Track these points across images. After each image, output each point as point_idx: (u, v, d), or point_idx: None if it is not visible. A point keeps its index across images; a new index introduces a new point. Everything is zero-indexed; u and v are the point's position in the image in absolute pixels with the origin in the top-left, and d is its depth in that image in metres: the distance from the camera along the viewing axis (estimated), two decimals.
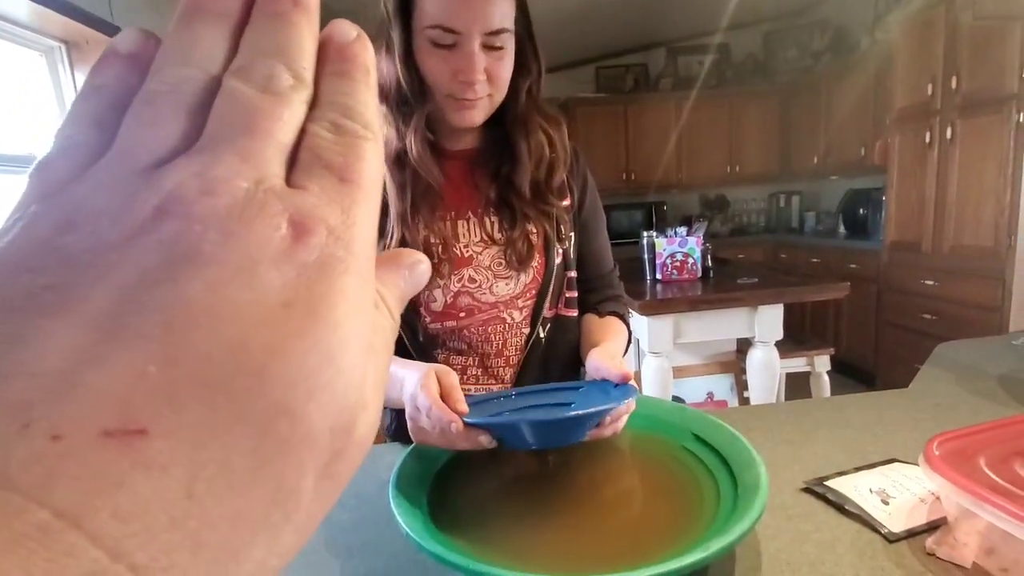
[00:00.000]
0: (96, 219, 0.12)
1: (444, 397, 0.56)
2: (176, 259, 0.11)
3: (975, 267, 2.50)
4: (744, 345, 2.14)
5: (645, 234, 2.33)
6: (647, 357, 1.99)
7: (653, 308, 1.92)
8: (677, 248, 2.20)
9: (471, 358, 0.79)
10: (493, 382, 0.80)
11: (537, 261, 0.79)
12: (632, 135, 4.39)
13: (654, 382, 1.96)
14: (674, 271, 2.21)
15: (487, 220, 0.78)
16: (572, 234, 0.83)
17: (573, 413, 0.54)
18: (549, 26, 3.58)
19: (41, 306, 0.11)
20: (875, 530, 0.52)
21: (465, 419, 0.53)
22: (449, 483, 0.58)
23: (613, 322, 0.82)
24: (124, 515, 0.09)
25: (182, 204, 0.12)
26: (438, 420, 0.53)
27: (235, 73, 0.13)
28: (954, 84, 2.54)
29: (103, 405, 0.10)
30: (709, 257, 2.29)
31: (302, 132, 0.14)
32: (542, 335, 0.80)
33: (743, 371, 2.12)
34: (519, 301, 0.79)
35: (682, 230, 2.30)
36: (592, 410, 0.53)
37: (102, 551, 0.09)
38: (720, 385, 2.24)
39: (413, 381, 0.58)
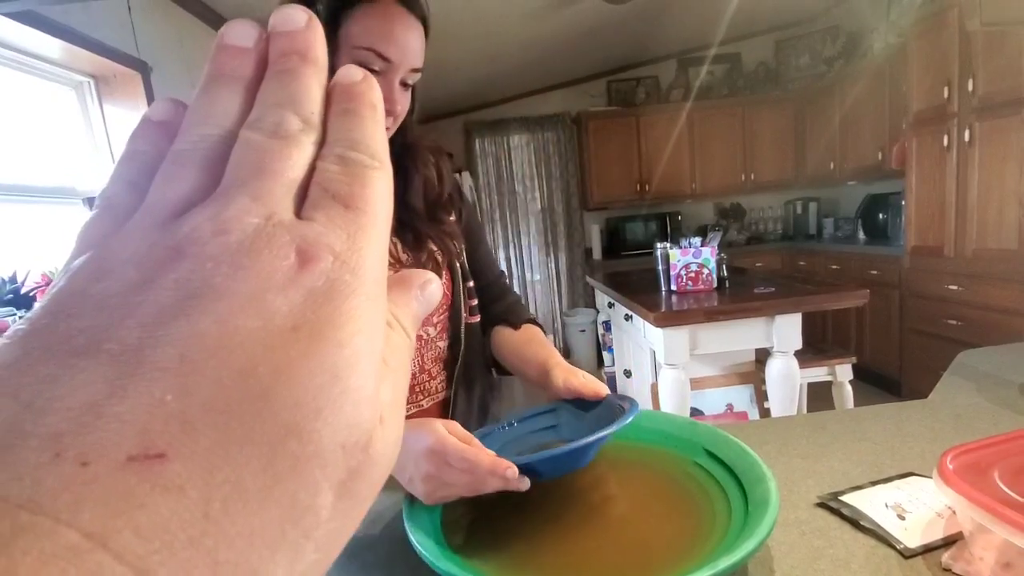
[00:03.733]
0: (123, 267, 0.13)
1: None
2: (190, 295, 0.12)
3: (1000, 271, 2.44)
4: (763, 355, 2.12)
5: (659, 245, 2.33)
6: (663, 369, 1.98)
7: (668, 319, 1.91)
8: (691, 259, 2.19)
9: None
10: (423, 397, 0.82)
11: (445, 277, 0.83)
12: (645, 147, 4.40)
13: (671, 394, 1.95)
14: (689, 282, 2.20)
15: (390, 243, 0.80)
16: (463, 246, 0.88)
17: (596, 436, 0.52)
18: (561, 42, 3.64)
19: (74, 347, 0.12)
20: (891, 546, 0.51)
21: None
22: (461, 500, 0.58)
23: (535, 332, 0.87)
24: (146, 534, 0.10)
25: (196, 244, 0.13)
26: (491, 470, 0.51)
27: (248, 125, 0.15)
28: (970, 86, 2.51)
29: (126, 433, 0.11)
30: (724, 267, 2.28)
31: (313, 169, 0.15)
32: (463, 346, 0.84)
33: (763, 382, 2.10)
34: (433, 317, 0.82)
35: (696, 240, 2.29)
36: (601, 434, 0.53)
37: (127, 568, 0.10)
38: (739, 396, 2.21)
39: (417, 440, 0.54)
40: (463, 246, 0.87)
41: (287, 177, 0.14)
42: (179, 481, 0.11)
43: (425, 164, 0.82)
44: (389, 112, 0.70)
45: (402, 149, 0.80)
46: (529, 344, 0.83)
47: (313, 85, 0.15)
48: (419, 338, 0.81)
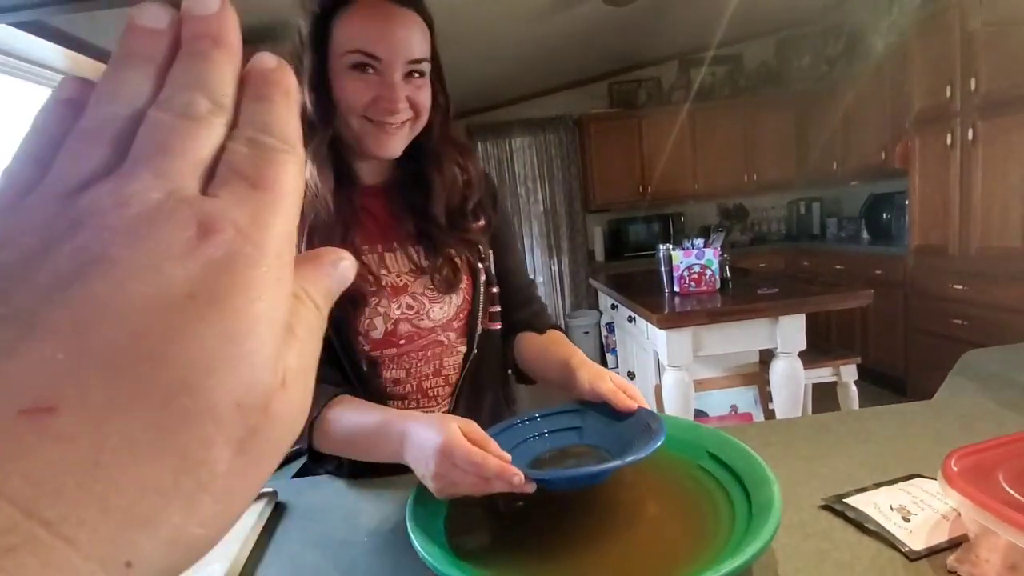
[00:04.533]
0: (23, 236, 0.13)
1: (481, 448, 0.54)
2: (87, 262, 0.13)
3: (1004, 269, 2.43)
4: (767, 356, 2.11)
5: (661, 247, 2.33)
6: (667, 371, 1.98)
7: (671, 321, 1.91)
8: (694, 260, 2.19)
9: (409, 386, 0.80)
10: (431, 403, 0.81)
11: (465, 282, 0.82)
12: (647, 148, 4.40)
13: (674, 396, 1.95)
14: (692, 283, 2.19)
15: (411, 250, 0.80)
16: (490, 251, 0.86)
17: (615, 464, 0.52)
18: (561, 45, 3.64)
19: None
20: (896, 548, 0.51)
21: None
22: (466, 505, 0.59)
23: (559, 335, 0.86)
24: (35, 479, 0.11)
25: (95, 216, 0.13)
26: (498, 474, 0.51)
27: (157, 105, 0.15)
28: (973, 85, 2.50)
29: (17, 388, 0.11)
30: (727, 268, 2.27)
31: (223, 151, 0.15)
32: (475, 351, 0.83)
33: (767, 383, 2.09)
34: (454, 323, 0.81)
35: (699, 242, 2.29)
36: (631, 459, 0.52)
37: (16, 509, 0.11)
38: (744, 397, 2.21)
39: (430, 438, 0.55)
40: (488, 251, 0.86)
41: (193, 156, 0.14)
42: (69, 431, 0.11)
43: (450, 169, 0.80)
44: (392, 110, 0.68)
45: (425, 153, 0.78)
46: (552, 345, 0.82)
47: (225, 69, 0.15)
48: (440, 344, 0.80)
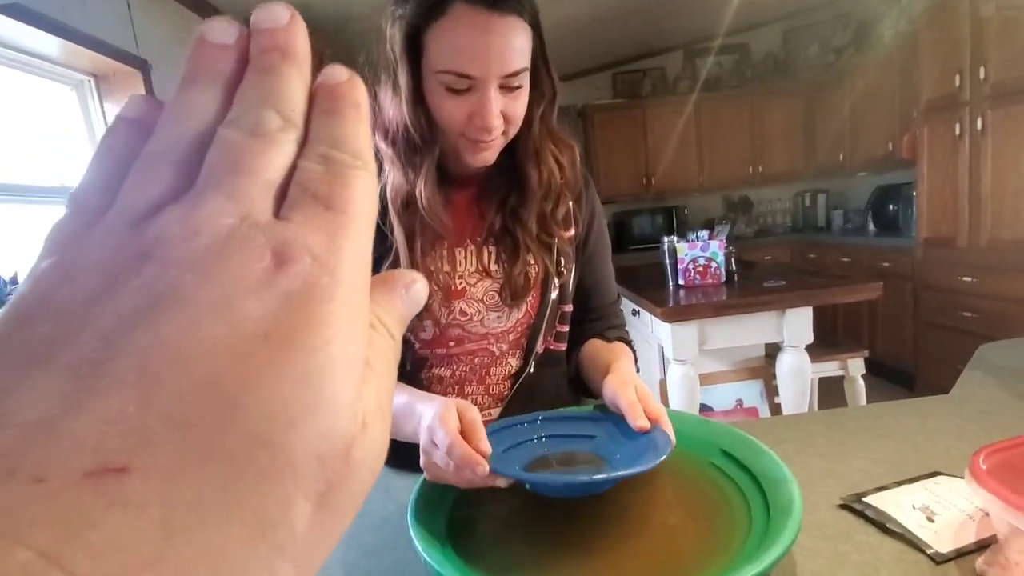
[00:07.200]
0: (87, 272, 0.12)
1: (466, 434, 0.52)
2: (152, 303, 0.12)
3: (1015, 261, 2.39)
4: (773, 350, 2.09)
5: (666, 239, 2.30)
6: (672, 365, 1.96)
7: (676, 314, 1.88)
8: (699, 252, 2.16)
9: (450, 388, 0.77)
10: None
11: (533, 295, 0.77)
12: (651, 139, 4.36)
13: (680, 390, 1.92)
14: (697, 276, 2.16)
15: (485, 250, 0.75)
16: (572, 266, 0.80)
17: (602, 476, 0.51)
18: (564, 34, 3.60)
19: (30, 357, 0.11)
20: (920, 550, 0.49)
21: (492, 466, 0.50)
22: (469, 504, 0.56)
23: (620, 346, 0.79)
24: (101, 555, 0.10)
25: (163, 247, 0.12)
26: (461, 460, 0.50)
27: (226, 123, 0.14)
28: (982, 74, 2.46)
29: (81, 448, 0.10)
30: (733, 260, 2.24)
31: (294, 169, 0.14)
32: (531, 370, 0.79)
33: (773, 377, 2.07)
34: (509, 335, 0.77)
35: (704, 234, 2.26)
36: (623, 473, 0.50)
37: None
38: (749, 392, 2.18)
39: (430, 414, 0.55)
40: (570, 265, 0.79)
41: (265, 176, 0.14)
42: (139, 497, 0.10)
43: (548, 166, 0.74)
44: (487, 128, 0.64)
45: (524, 147, 0.73)
46: (607, 352, 0.76)
47: (295, 83, 0.15)
48: (490, 354, 0.77)
